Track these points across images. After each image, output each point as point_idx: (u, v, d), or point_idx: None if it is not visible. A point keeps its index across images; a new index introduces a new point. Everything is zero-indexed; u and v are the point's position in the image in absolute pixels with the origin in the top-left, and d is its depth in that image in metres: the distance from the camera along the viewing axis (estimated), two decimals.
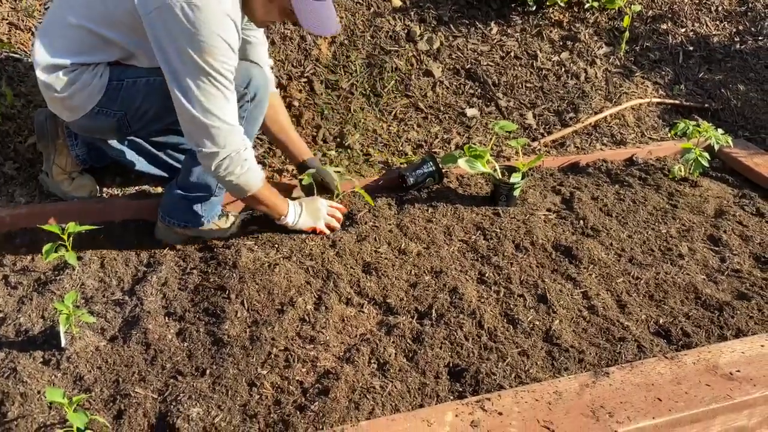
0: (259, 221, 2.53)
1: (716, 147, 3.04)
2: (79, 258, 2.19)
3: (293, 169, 2.79)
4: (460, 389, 1.80)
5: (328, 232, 2.42)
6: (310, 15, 2.00)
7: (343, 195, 2.59)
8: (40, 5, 2.87)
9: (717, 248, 2.54)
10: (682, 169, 3.05)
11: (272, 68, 2.58)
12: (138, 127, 2.23)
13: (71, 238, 2.10)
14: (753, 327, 2.08)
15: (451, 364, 1.88)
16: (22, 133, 2.65)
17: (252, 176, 2.14)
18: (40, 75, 2.07)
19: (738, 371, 1.82)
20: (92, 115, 2.15)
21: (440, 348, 1.92)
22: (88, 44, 2.06)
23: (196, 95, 1.94)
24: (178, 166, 2.49)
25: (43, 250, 2.06)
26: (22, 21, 2.82)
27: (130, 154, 2.47)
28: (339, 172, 2.88)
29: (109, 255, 2.26)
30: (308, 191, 2.52)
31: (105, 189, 2.58)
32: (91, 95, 2.10)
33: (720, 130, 3.06)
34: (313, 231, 2.40)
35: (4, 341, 1.87)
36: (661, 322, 2.10)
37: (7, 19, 2.80)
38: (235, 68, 2.01)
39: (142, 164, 2.52)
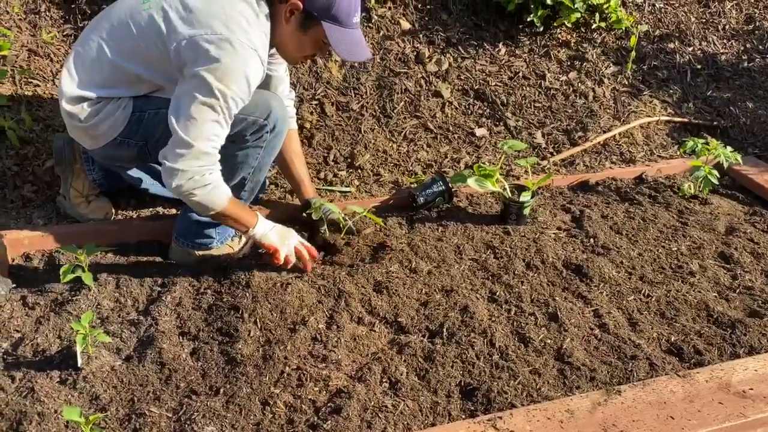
0: None
1: (725, 164, 3.04)
2: (95, 279, 2.22)
3: None
4: (472, 408, 1.80)
5: (281, 261, 2.24)
6: (343, 43, 2.04)
7: (350, 224, 2.52)
8: (58, 32, 2.95)
9: (728, 265, 2.54)
10: (692, 187, 3.05)
11: (294, 103, 2.60)
12: (158, 156, 2.28)
13: (87, 259, 2.15)
14: (766, 344, 2.07)
15: (462, 383, 1.89)
16: (41, 157, 2.71)
17: (215, 195, 2.08)
18: (66, 105, 2.11)
19: (751, 389, 1.81)
20: (114, 145, 2.19)
21: (452, 367, 1.93)
22: (118, 79, 2.10)
23: (187, 109, 1.95)
24: None
25: (61, 271, 2.11)
26: (41, 48, 2.90)
27: (146, 178, 2.51)
28: (349, 191, 2.92)
29: (125, 275, 2.29)
30: (318, 224, 2.49)
31: (120, 211, 2.63)
32: (114, 126, 2.14)
33: (729, 148, 3.07)
34: (272, 256, 2.25)
35: (22, 361, 1.90)
36: (672, 339, 2.10)
37: (26, 46, 2.88)
38: (244, 103, 2.03)
39: (156, 187, 2.56)
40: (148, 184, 2.55)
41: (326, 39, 2.04)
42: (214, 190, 2.07)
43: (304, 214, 2.54)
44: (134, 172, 2.51)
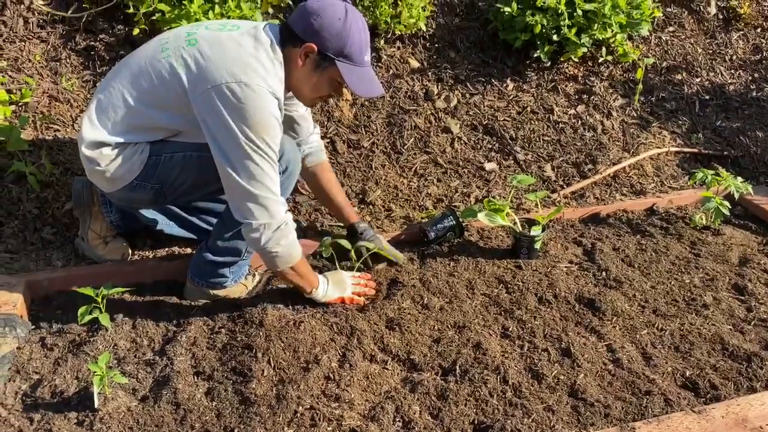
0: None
1: (736, 195, 3.05)
2: (112, 319, 2.26)
3: (320, 227, 2.91)
4: None
5: (360, 299, 2.42)
6: (358, 80, 2.12)
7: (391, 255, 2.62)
8: (77, 79, 3.05)
9: (742, 297, 2.52)
10: (704, 218, 3.05)
11: (321, 137, 2.73)
12: (173, 198, 2.34)
13: (105, 300, 2.19)
14: None
15: (476, 422, 1.88)
16: (60, 200, 2.78)
17: (295, 247, 2.19)
18: (85, 150, 2.16)
19: None
20: (131, 188, 2.24)
21: (465, 405, 1.93)
22: (138, 126, 2.16)
23: (246, 167, 2.02)
24: (208, 228, 2.59)
25: (78, 313, 2.15)
26: (62, 94, 2.99)
27: (162, 220, 2.57)
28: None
29: (141, 315, 2.32)
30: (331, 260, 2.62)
31: (137, 251, 2.68)
32: (131, 170, 2.20)
33: (740, 178, 3.08)
34: (342, 301, 2.39)
35: (40, 402, 1.93)
36: (687, 374, 2.09)
37: (47, 93, 2.98)
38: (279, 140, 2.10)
39: (172, 228, 2.61)
40: (163, 224, 2.60)
41: (341, 78, 2.11)
42: (294, 242, 2.18)
43: (319, 250, 2.60)
44: (150, 213, 2.56)
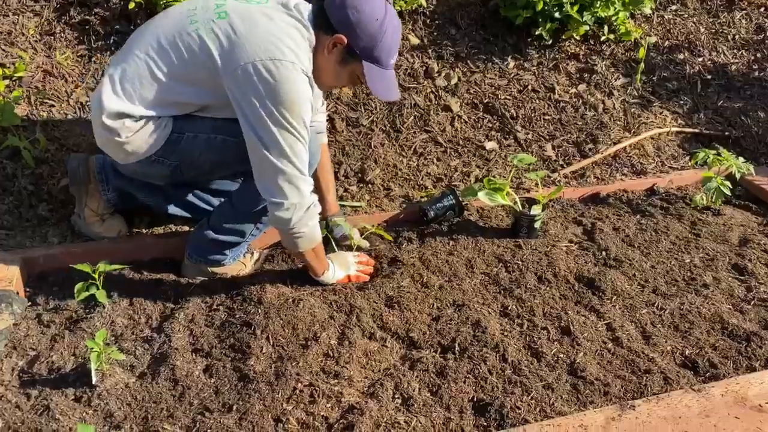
0: (282, 257, 2.58)
1: (738, 175, 3.03)
2: (109, 296, 2.25)
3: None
4: (485, 424, 1.79)
5: (364, 276, 2.45)
6: (379, 83, 2.10)
7: (360, 242, 2.60)
8: (72, 53, 3.00)
9: (742, 277, 2.52)
10: (704, 198, 3.04)
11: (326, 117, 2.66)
12: (189, 177, 2.30)
13: (102, 277, 2.17)
14: None
15: (475, 399, 1.88)
16: (55, 176, 2.74)
17: (318, 229, 2.20)
18: (106, 120, 2.07)
19: (767, 403, 1.80)
20: (148, 162, 2.18)
21: (464, 382, 1.93)
22: (168, 101, 2.09)
23: (278, 145, 1.99)
24: (203, 206, 2.54)
25: (75, 289, 2.14)
26: (56, 68, 2.94)
27: (159, 200, 2.52)
28: (359, 206, 2.94)
29: (138, 293, 2.31)
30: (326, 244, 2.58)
31: (134, 229, 2.65)
32: (151, 144, 2.13)
33: (741, 158, 3.06)
34: (349, 279, 2.41)
35: (37, 379, 1.92)
36: (687, 353, 2.08)
37: (41, 67, 2.93)
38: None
39: (169, 207, 2.57)
40: (161, 204, 2.55)
41: (363, 77, 2.10)
42: (317, 224, 2.18)
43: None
44: (147, 193, 2.51)
